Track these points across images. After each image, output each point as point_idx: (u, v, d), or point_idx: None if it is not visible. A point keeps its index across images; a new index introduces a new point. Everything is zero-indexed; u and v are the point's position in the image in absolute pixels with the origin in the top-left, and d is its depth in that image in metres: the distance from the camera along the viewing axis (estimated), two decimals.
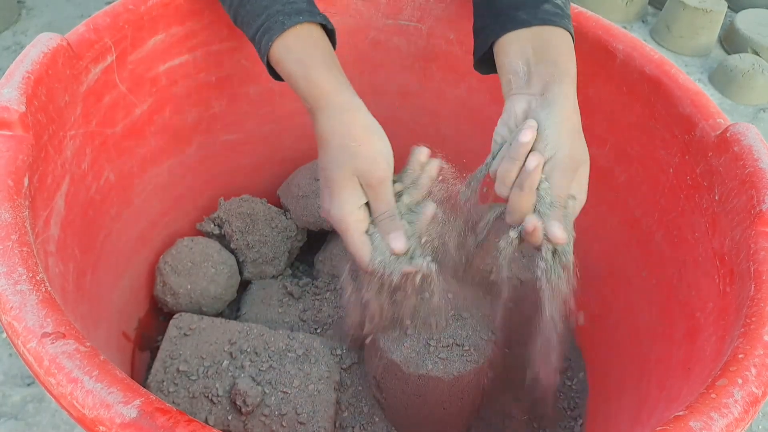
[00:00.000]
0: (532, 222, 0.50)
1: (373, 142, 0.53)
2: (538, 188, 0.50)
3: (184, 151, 0.75)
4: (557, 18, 0.56)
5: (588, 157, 0.52)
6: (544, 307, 0.54)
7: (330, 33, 0.58)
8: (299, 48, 0.55)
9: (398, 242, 0.52)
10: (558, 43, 0.55)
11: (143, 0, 0.60)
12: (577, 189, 0.51)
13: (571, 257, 0.52)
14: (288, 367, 0.66)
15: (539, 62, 0.54)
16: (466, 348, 0.63)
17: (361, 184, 0.52)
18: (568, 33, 0.56)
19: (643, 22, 1.70)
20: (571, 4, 0.69)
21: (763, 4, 1.69)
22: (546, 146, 0.50)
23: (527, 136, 0.49)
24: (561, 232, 0.49)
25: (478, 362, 0.63)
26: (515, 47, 0.56)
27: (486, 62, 0.61)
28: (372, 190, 0.52)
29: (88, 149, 0.58)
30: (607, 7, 1.63)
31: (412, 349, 0.62)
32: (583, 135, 0.53)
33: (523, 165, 0.50)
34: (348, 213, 0.52)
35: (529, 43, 0.55)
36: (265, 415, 0.61)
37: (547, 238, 0.50)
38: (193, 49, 0.68)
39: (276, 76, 0.58)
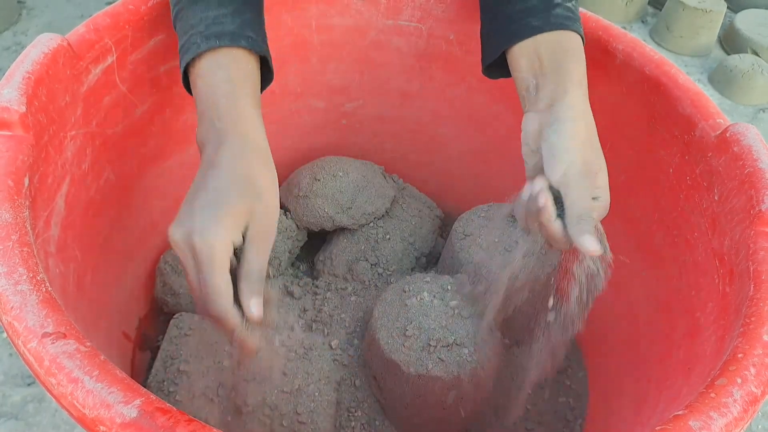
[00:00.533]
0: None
1: (274, 194, 0.48)
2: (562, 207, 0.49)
3: (185, 152, 0.75)
4: (569, 22, 0.55)
5: (603, 163, 0.51)
6: (573, 306, 0.53)
7: (262, 59, 0.55)
8: (233, 68, 0.51)
9: (256, 308, 0.47)
10: (567, 47, 0.54)
11: (144, 0, 0.60)
12: (599, 192, 0.50)
13: (609, 255, 0.50)
14: (288, 367, 0.66)
15: (546, 72, 0.53)
16: (467, 348, 0.63)
17: (244, 229, 0.46)
18: (579, 36, 0.56)
19: (642, 22, 1.70)
20: None
21: (763, 4, 1.69)
22: (556, 165, 0.49)
23: (541, 200, 0.49)
24: (592, 245, 0.47)
25: (478, 362, 0.63)
26: (526, 60, 0.55)
27: (496, 68, 0.60)
28: (258, 242, 0.46)
29: (88, 149, 0.58)
30: (606, 8, 1.63)
31: (412, 349, 0.63)
32: (596, 140, 0.52)
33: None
34: (222, 242, 0.44)
35: (539, 52, 0.54)
36: (265, 415, 0.61)
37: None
38: None
39: (187, 85, 0.55)
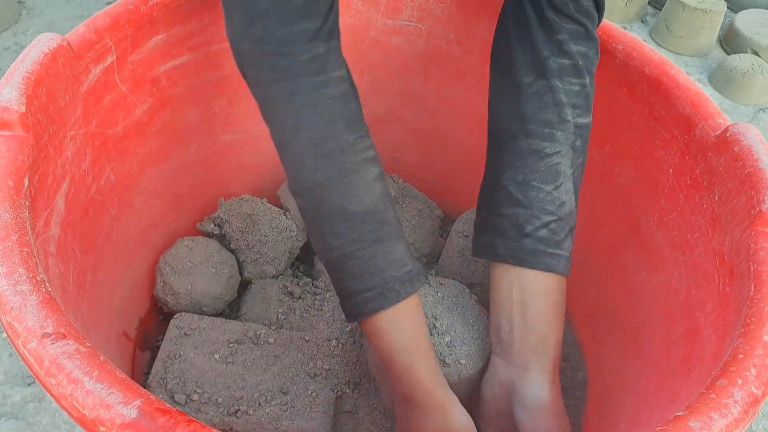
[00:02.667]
0: None
1: None
2: None
3: (185, 151, 0.75)
4: (538, 258, 0.53)
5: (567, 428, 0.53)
6: None
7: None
8: (408, 324, 0.51)
9: None
10: (539, 300, 0.53)
11: (144, 0, 0.60)
12: None
13: None
14: (288, 367, 0.66)
15: (520, 334, 0.54)
16: (467, 350, 0.63)
17: None
18: (552, 275, 0.53)
19: (642, 22, 1.70)
20: None
21: (763, 4, 1.69)
22: (527, 426, 0.52)
23: None
24: None
25: (479, 364, 0.63)
26: (499, 293, 0.55)
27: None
28: None
29: (88, 149, 0.58)
30: (606, 7, 1.63)
31: None
32: (563, 409, 0.54)
33: None
34: None
35: (511, 294, 0.54)
36: (265, 415, 0.61)
37: None
38: (193, 49, 0.68)
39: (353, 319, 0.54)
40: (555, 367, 0.54)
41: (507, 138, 0.56)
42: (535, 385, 0.53)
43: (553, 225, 0.53)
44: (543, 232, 0.53)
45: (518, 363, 0.54)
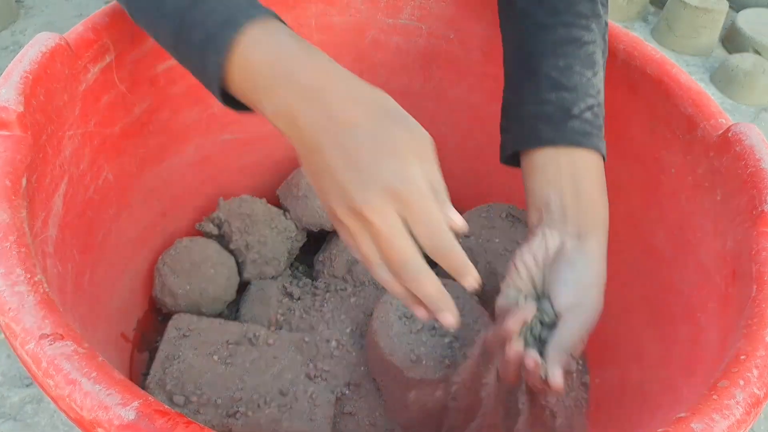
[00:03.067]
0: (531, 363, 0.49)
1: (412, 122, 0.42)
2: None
3: (184, 151, 0.75)
4: (587, 138, 0.52)
5: (599, 314, 0.52)
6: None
7: None
8: (273, 38, 0.42)
9: (449, 318, 0.44)
10: (591, 173, 0.52)
11: None
12: (583, 339, 0.51)
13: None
14: (287, 368, 0.66)
15: (575, 202, 0.51)
16: (467, 351, 0.63)
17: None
18: (599, 155, 0.53)
19: (644, 21, 1.70)
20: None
21: (765, 3, 1.69)
22: (569, 298, 0.50)
23: (530, 364, 0.48)
24: (558, 381, 0.48)
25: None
26: (544, 174, 0.53)
27: (514, 159, 0.58)
28: (411, 213, 0.40)
29: (86, 149, 0.58)
30: None
31: (412, 352, 0.62)
32: (604, 285, 0.52)
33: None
34: (423, 178, 0.39)
35: (560, 170, 0.52)
36: (264, 416, 0.61)
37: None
38: None
39: (228, 100, 0.46)
40: (607, 240, 0.52)
41: (543, 31, 0.56)
42: (591, 256, 0.50)
43: (596, 109, 0.54)
44: (588, 115, 0.53)
45: (572, 231, 0.51)
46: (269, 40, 0.42)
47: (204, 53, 0.44)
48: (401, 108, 0.43)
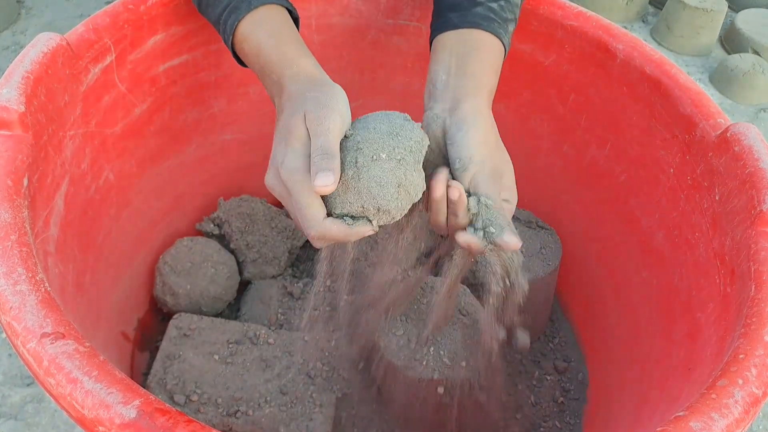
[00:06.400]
0: (464, 238, 0.48)
1: (333, 93, 0.48)
2: (476, 205, 0.48)
3: (184, 151, 0.75)
4: (487, 22, 0.56)
5: (510, 164, 0.51)
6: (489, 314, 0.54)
7: (295, 21, 0.58)
8: (269, 23, 0.54)
9: (324, 179, 0.42)
10: (482, 50, 0.55)
11: (143, 0, 0.60)
12: (508, 194, 0.50)
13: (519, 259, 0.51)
14: (288, 367, 0.66)
15: (458, 74, 0.54)
16: (467, 352, 0.63)
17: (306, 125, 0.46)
18: (497, 39, 0.56)
19: (643, 21, 1.70)
20: (569, 3, 0.69)
21: (764, 3, 1.69)
22: (466, 167, 0.49)
23: (454, 194, 0.47)
24: (514, 238, 0.47)
25: (475, 365, 0.63)
26: (440, 54, 0.56)
27: None
28: (312, 124, 0.45)
29: (87, 149, 0.58)
30: (607, 7, 1.63)
31: (412, 353, 0.62)
32: (500, 142, 0.52)
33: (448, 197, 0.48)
34: (294, 164, 0.45)
35: (452, 50, 0.55)
36: (265, 416, 0.61)
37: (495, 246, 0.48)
38: (192, 48, 0.68)
39: (240, 61, 0.58)
40: (488, 103, 0.53)
41: None
42: (463, 115, 0.50)
43: (502, 2, 0.57)
44: (494, 5, 0.57)
45: (449, 105, 0.52)
46: (263, 27, 0.54)
47: (220, 31, 0.57)
48: (322, 84, 0.49)
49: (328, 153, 0.43)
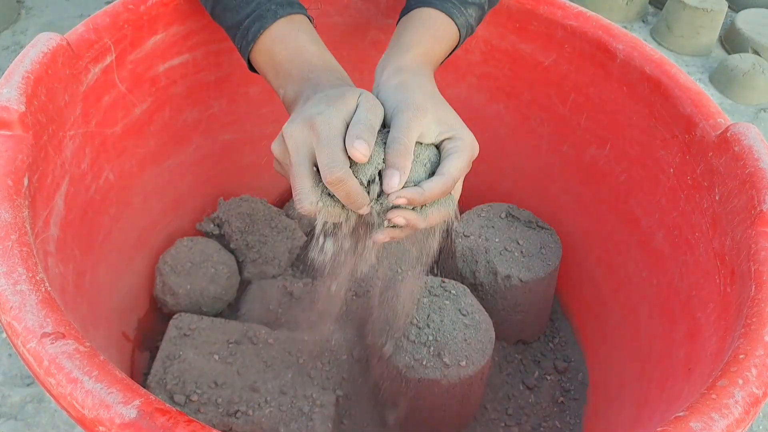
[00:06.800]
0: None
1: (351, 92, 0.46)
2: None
3: (184, 151, 0.75)
4: (440, 2, 0.57)
5: (445, 107, 0.48)
6: None
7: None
8: (291, 39, 0.54)
9: (362, 145, 0.41)
10: (423, 22, 0.57)
11: (143, 0, 0.60)
12: (444, 128, 0.46)
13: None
14: (288, 368, 0.66)
15: (397, 43, 0.56)
16: (467, 352, 0.63)
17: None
18: (444, 15, 0.57)
19: (643, 21, 1.70)
20: (569, 3, 0.69)
21: (764, 3, 1.69)
22: (389, 101, 0.47)
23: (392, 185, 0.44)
24: (394, 179, 0.43)
25: (478, 366, 0.63)
26: (396, 32, 0.58)
27: None
28: (366, 103, 0.44)
29: (87, 149, 0.58)
30: (607, 7, 1.63)
31: (412, 353, 0.62)
32: (435, 93, 0.50)
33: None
34: (338, 118, 0.43)
35: (403, 26, 0.57)
36: (264, 416, 0.61)
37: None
38: (192, 48, 0.68)
39: (252, 67, 0.57)
40: (419, 57, 0.54)
41: None
42: (386, 76, 0.51)
43: None
44: None
45: (384, 77, 0.51)
46: (287, 40, 0.54)
47: (236, 37, 0.57)
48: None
49: (372, 129, 0.43)
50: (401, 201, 0.43)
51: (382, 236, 0.46)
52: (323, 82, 0.50)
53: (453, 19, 0.58)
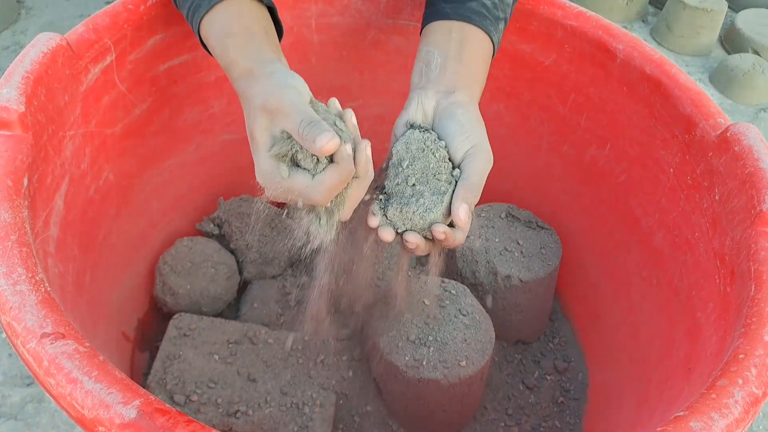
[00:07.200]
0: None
1: (283, 86, 0.47)
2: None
3: (184, 151, 0.75)
4: (479, 18, 0.57)
5: (492, 162, 0.52)
6: None
7: (272, 11, 0.57)
8: (220, 24, 0.53)
9: (324, 137, 0.42)
10: (475, 46, 0.56)
11: (143, 0, 0.60)
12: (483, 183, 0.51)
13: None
14: (288, 368, 0.66)
15: (455, 59, 0.55)
16: (467, 352, 0.63)
17: (270, 120, 0.46)
18: (487, 37, 0.57)
19: (643, 21, 1.70)
20: (569, 3, 0.69)
21: (764, 3, 1.69)
22: (465, 140, 0.50)
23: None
24: (465, 215, 0.48)
25: (478, 366, 0.63)
26: (434, 37, 0.57)
27: None
28: (284, 114, 0.45)
29: (87, 149, 0.58)
30: (607, 7, 1.63)
31: (412, 353, 0.62)
32: (483, 126, 0.53)
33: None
34: (265, 162, 0.46)
35: (449, 37, 0.56)
36: (264, 416, 0.61)
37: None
38: (192, 48, 0.68)
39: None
40: (479, 98, 0.55)
41: None
42: (465, 106, 0.52)
43: (496, 0, 0.58)
44: (487, 2, 0.58)
45: (444, 89, 0.53)
46: (220, 22, 0.53)
47: (192, 25, 0.56)
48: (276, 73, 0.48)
49: (313, 121, 0.44)
50: (440, 236, 0.48)
51: (388, 237, 0.50)
52: (235, 86, 0.51)
53: (492, 41, 0.57)
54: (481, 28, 0.56)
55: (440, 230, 0.48)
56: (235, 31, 0.52)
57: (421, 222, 0.49)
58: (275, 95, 0.46)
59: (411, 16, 0.77)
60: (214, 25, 0.53)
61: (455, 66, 0.54)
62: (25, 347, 0.35)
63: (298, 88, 0.47)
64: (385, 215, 0.50)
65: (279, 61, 0.51)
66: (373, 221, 0.50)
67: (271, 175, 0.46)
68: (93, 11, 0.63)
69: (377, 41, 0.79)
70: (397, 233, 0.50)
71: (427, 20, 0.59)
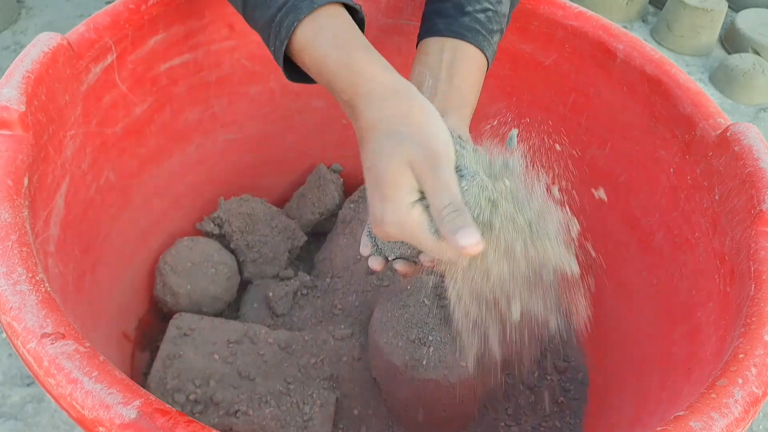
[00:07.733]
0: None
1: (428, 122, 0.43)
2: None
3: (184, 151, 0.75)
4: (472, 34, 0.56)
5: None
6: None
7: (361, 23, 0.52)
8: (332, 28, 0.47)
9: (470, 238, 0.39)
10: (468, 64, 0.56)
11: (144, 0, 0.60)
12: None
13: None
14: (288, 367, 0.66)
15: (446, 81, 0.54)
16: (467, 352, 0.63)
17: (415, 176, 0.42)
18: (480, 52, 0.56)
19: (643, 21, 1.70)
20: (569, 3, 0.69)
21: (764, 3, 1.69)
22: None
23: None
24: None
25: (478, 366, 0.63)
26: (426, 58, 0.56)
27: None
28: (428, 178, 0.41)
29: (88, 149, 0.58)
30: (607, 7, 1.63)
31: (412, 353, 0.62)
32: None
33: None
34: (405, 214, 0.42)
35: (441, 57, 0.56)
36: (264, 416, 0.61)
37: None
38: (193, 48, 0.68)
39: (291, 73, 0.51)
40: (469, 119, 0.55)
41: None
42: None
43: (490, 13, 0.58)
44: (481, 16, 0.57)
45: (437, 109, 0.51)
46: (328, 30, 0.48)
47: (268, 37, 0.50)
48: (422, 115, 0.44)
49: (459, 208, 0.40)
50: (428, 264, 0.48)
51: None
52: (356, 103, 0.46)
53: (485, 56, 0.57)
54: (474, 45, 0.56)
55: (427, 259, 0.48)
56: (351, 41, 0.48)
57: (409, 251, 0.49)
58: (420, 149, 0.42)
59: (411, 16, 0.77)
60: (323, 31, 0.47)
61: (446, 88, 0.54)
62: (25, 347, 0.35)
63: (447, 141, 0.43)
64: (375, 244, 0.51)
65: (387, 71, 0.48)
66: (365, 250, 0.51)
67: (420, 226, 0.42)
68: (93, 11, 0.63)
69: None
70: (387, 260, 0.51)
71: (421, 36, 0.59)
